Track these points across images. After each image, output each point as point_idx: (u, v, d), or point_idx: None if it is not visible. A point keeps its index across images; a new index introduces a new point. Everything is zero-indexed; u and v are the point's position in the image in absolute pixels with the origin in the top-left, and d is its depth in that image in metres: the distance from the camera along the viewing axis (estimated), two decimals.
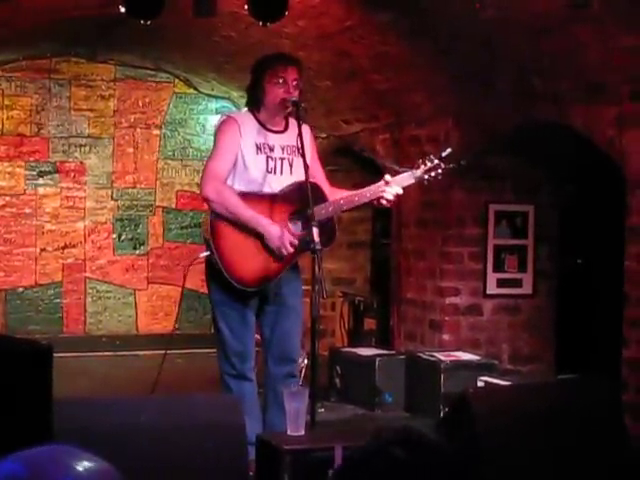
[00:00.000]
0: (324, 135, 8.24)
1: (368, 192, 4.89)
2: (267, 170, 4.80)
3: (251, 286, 4.75)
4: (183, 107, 9.69)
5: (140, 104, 9.54)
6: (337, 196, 4.91)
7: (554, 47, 5.52)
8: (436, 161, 4.90)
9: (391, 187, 4.83)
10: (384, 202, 4.87)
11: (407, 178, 4.91)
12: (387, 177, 4.88)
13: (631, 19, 4.93)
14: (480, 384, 5.97)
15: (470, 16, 5.61)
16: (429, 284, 7.16)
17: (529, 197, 7.13)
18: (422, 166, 4.89)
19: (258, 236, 4.72)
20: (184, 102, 9.69)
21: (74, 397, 4.21)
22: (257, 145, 4.80)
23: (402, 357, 6.73)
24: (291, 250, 4.70)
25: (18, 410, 3.28)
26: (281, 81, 4.79)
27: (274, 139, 4.85)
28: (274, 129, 4.87)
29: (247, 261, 4.72)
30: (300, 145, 4.65)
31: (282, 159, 4.84)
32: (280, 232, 4.69)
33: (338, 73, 7.43)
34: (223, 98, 9.67)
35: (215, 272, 4.75)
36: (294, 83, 4.80)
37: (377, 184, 4.89)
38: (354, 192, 4.93)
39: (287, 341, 4.93)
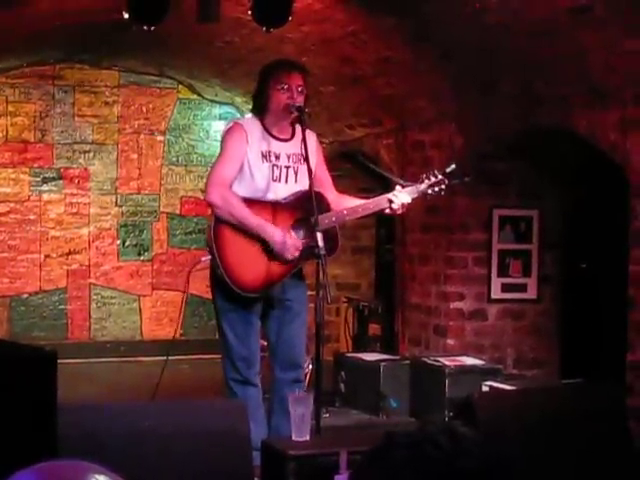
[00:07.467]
0: (328, 140, 8.24)
1: (372, 204, 4.92)
2: (272, 178, 4.80)
3: (254, 291, 4.74)
4: (187, 113, 9.69)
5: (144, 110, 9.55)
6: (343, 203, 4.93)
7: (557, 51, 5.51)
8: (440, 176, 4.94)
9: (397, 196, 4.85)
10: (388, 211, 4.92)
11: (411, 192, 4.94)
12: (398, 189, 4.92)
13: (634, 23, 4.93)
14: (485, 389, 5.95)
15: (473, 21, 5.62)
16: (433, 289, 7.16)
17: (533, 202, 7.12)
18: (426, 180, 4.93)
19: (262, 242, 4.72)
20: (188, 108, 9.69)
21: (79, 403, 4.20)
22: (262, 153, 4.80)
23: (407, 362, 6.71)
24: (296, 254, 4.70)
25: (22, 416, 3.28)
26: (285, 87, 4.79)
27: (280, 147, 4.84)
28: (280, 137, 4.87)
29: (250, 266, 4.72)
30: (304, 151, 4.65)
31: (287, 167, 4.84)
32: (284, 237, 4.70)
33: (341, 78, 7.43)
34: (227, 104, 9.67)
35: (219, 278, 4.75)
36: (298, 89, 4.80)
37: (381, 197, 4.92)
38: (358, 204, 4.96)
39: (293, 347, 4.94)
